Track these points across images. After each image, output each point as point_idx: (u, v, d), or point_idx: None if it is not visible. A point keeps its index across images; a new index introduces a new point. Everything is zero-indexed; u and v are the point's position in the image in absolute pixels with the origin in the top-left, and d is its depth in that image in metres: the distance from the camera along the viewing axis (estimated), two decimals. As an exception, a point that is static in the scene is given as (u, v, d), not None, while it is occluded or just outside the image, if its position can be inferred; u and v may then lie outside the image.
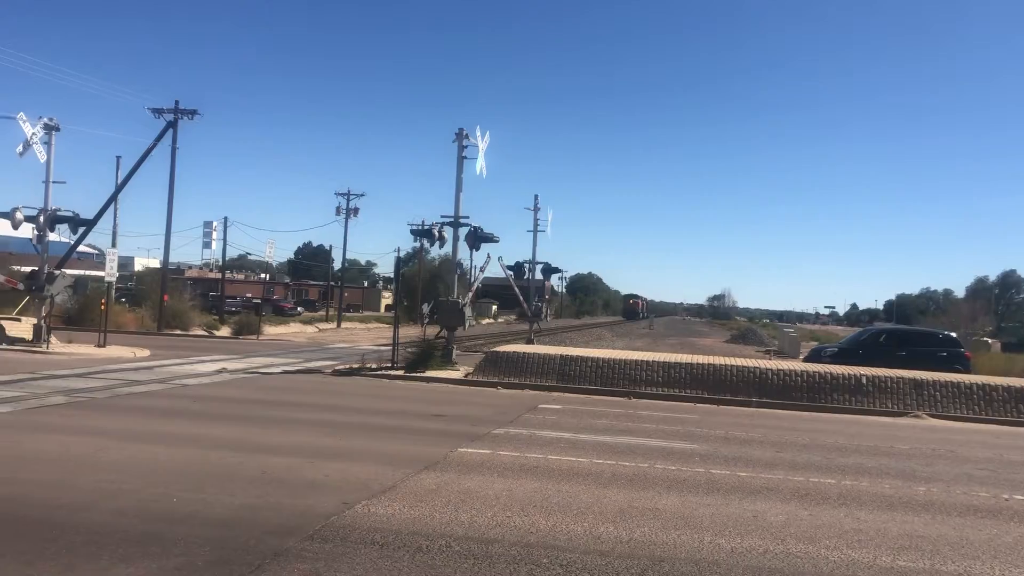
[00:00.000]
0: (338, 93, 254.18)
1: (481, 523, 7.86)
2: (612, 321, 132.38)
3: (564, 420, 15.62)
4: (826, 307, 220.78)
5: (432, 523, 7.78)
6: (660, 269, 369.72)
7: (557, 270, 48.18)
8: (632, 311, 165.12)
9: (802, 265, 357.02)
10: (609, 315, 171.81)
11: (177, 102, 42.23)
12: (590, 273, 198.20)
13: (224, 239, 65.48)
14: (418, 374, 22.69)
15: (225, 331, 44.16)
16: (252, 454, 10.73)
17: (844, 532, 8.28)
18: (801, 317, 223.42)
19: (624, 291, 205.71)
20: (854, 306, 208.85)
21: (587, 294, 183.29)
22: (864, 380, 20.46)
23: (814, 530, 8.29)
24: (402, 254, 78.28)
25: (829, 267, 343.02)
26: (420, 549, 6.96)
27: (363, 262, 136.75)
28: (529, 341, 38.30)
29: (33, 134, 25.93)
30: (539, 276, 44.05)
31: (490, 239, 26.94)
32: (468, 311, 25.88)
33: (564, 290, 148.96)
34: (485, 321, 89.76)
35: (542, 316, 42.84)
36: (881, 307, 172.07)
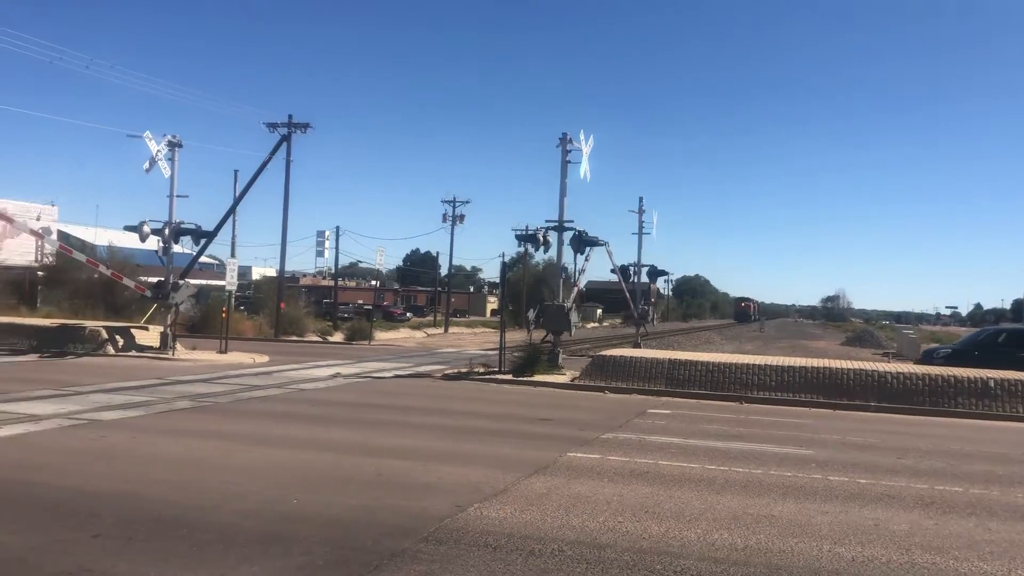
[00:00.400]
0: (444, 100, 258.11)
1: (592, 528, 7.85)
2: (721, 324, 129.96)
3: (674, 425, 15.44)
4: (947, 307, 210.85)
5: (544, 527, 7.82)
6: (771, 270, 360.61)
7: (663, 273, 47.66)
8: (744, 313, 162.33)
9: (921, 264, 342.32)
10: (717, 318, 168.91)
11: (290, 116, 43.77)
12: (697, 275, 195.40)
13: (336, 248, 67.32)
14: (525, 378, 22.81)
15: (338, 337, 45.42)
16: (367, 457, 11.02)
17: (974, 543, 7.90)
18: (921, 318, 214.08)
19: (733, 293, 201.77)
20: (978, 306, 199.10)
21: (694, 297, 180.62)
22: (992, 383, 19.46)
23: (941, 540, 7.94)
24: (507, 259, 78.98)
25: (951, 266, 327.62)
26: (532, 553, 7.01)
27: (468, 267, 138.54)
28: (636, 345, 38.00)
29: (158, 151, 27.29)
30: (645, 279, 43.65)
31: (595, 243, 26.89)
32: (574, 315, 25.88)
33: (670, 293, 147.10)
34: (590, 325, 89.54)
35: (648, 319, 42.42)
36: (1008, 306, 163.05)
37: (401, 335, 53.92)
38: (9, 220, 29.34)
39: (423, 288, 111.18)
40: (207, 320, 39.49)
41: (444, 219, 69.23)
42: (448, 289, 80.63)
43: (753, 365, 21.29)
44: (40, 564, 6.33)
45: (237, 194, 37.10)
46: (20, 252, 52.17)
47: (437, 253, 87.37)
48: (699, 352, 30.48)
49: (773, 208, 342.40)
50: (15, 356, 25.39)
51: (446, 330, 64.58)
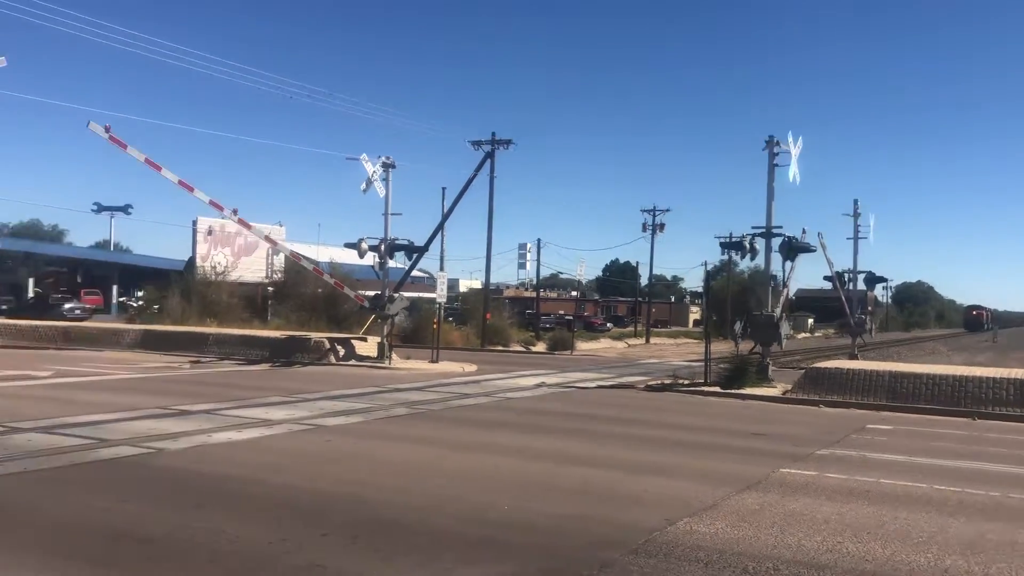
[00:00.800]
0: (643, 108, 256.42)
1: (810, 547, 7.49)
2: (946, 333, 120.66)
3: (896, 442, 14.46)
4: None
5: (757, 544, 7.55)
6: (1006, 276, 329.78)
7: (881, 279, 44.95)
8: (975, 322, 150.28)
9: None
10: (943, 327, 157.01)
11: (493, 134, 45.17)
12: (919, 282, 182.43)
13: (538, 260, 68.81)
14: (733, 391, 22.16)
15: (540, 347, 46.18)
16: (573, 466, 11.10)
17: None
18: None
19: (960, 301, 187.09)
20: None
21: (916, 305, 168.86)
22: None
23: None
24: (710, 267, 77.38)
25: None
26: (746, 571, 6.78)
27: (669, 277, 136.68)
28: (852, 356, 35.97)
29: (373, 172, 28.95)
30: (861, 286, 41.36)
31: (806, 249, 25.76)
32: (784, 326, 24.88)
33: (889, 301, 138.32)
34: (801, 335, 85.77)
35: (866, 329, 40.13)
36: None
37: (602, 345, 54.05)
38: (247, 226, 32.13)
39: (623, 298, 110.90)
40: (419, 331, 41.31)
41: (644, 228, 68.88)
42: (648, 299, 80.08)
43: (988, 378, 19.57)
44: (277, 557, 6.84)
45: (445, 210, 38.65)
46: (252, 270, 57.02)
47: (637, 263, 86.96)
48: (924, 364, 28.39)
49: (1010, 207, 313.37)
50: (250, 365, 27.68)
51: (647, 340, 64.07)
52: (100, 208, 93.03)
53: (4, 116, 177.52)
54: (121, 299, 67.68)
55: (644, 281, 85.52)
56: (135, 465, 10.57)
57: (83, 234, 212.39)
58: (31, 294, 62.39)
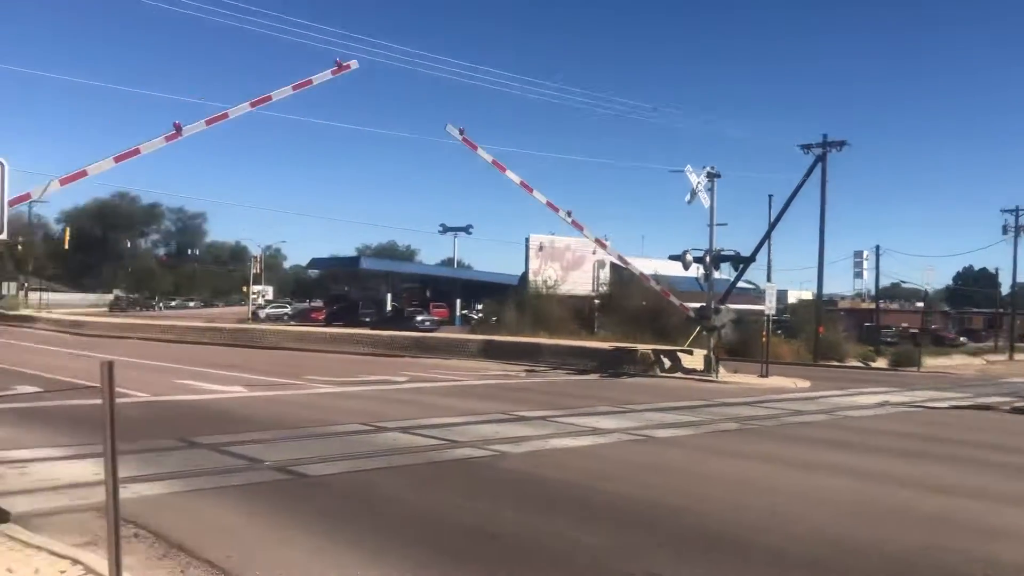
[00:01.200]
0: (1000, 98, 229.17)
1: None
2: None
3: None
4: None
5: None
6: None
7: None
8: None
9: None
10: None
11: (825, 136, 43.19)
12: None
13: (876, 268, 64.44)
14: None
15: (881, 362, 43.15)
16: (921, 492, 10.25)
17: None
18: None
19: None
20: None
21: None
22: None
23: None
24: (1089, 274, 67.56)
25: None
26: None
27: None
28: None
29: (698, 183, 28.91)
30: None
31: None
32: None
33: None
34: None
35: None
36: None
37: (954, 362, 49.29)
38: (580, 227, 33.47)
39: (979, 310, 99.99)
40: (746, 344, 40.38)
41: (1004, 231, 62.11)
42: (1012, 310, 71.61)
43: None
44: (610, 562, 7.07)
45: (772, 219, 37.47)
46: (580, 283, 59.21)
47: (996, 269, 78.31)
48: None
49: None
50: (579, 375, 28.72)
51: (1011, 357, 57.43)
52: (445, 229, 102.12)
53: (363, 150, 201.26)
54: (463, 312, 73.60)
55: (1006, 289, 76.73)
56: (482, 466, 11.44)
57: (431, 253, 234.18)
58: (389, 308, 69.85)
